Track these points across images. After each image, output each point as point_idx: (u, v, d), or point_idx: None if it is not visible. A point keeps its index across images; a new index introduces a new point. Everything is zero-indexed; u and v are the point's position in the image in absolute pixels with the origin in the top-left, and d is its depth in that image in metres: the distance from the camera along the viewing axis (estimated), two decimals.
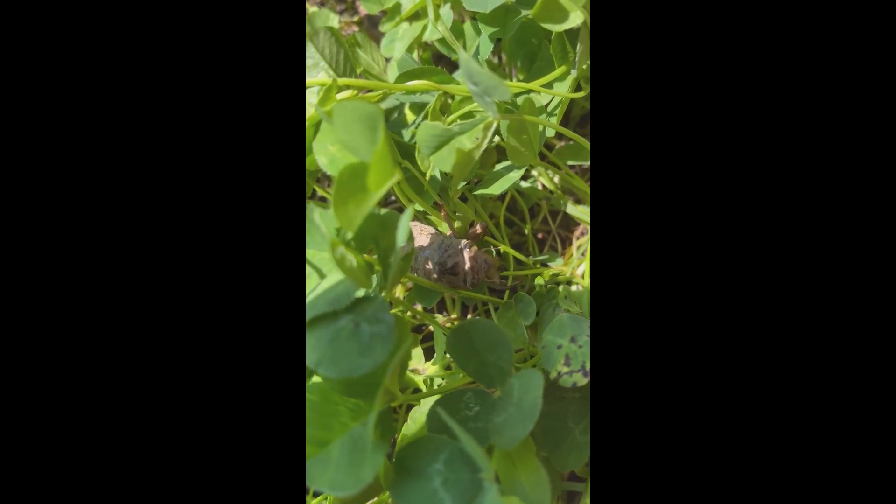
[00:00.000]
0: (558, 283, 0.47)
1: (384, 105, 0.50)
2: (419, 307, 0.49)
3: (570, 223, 0.55)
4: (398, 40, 0.53)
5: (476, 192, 0.43)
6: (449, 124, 0.40)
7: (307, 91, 0.39)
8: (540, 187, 0.53)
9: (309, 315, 0.29)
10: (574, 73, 0.42)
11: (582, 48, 0.40)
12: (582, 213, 0.50)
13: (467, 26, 0.51)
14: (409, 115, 0.50)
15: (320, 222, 0.30)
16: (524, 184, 0.52)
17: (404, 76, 0.43)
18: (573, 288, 0.46)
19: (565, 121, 0.57)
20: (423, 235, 0.43)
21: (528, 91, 0.43)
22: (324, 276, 0.32)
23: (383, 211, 0.33)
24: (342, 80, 0.38)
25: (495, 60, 0.57)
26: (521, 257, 0.48)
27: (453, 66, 0.60)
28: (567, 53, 0.42)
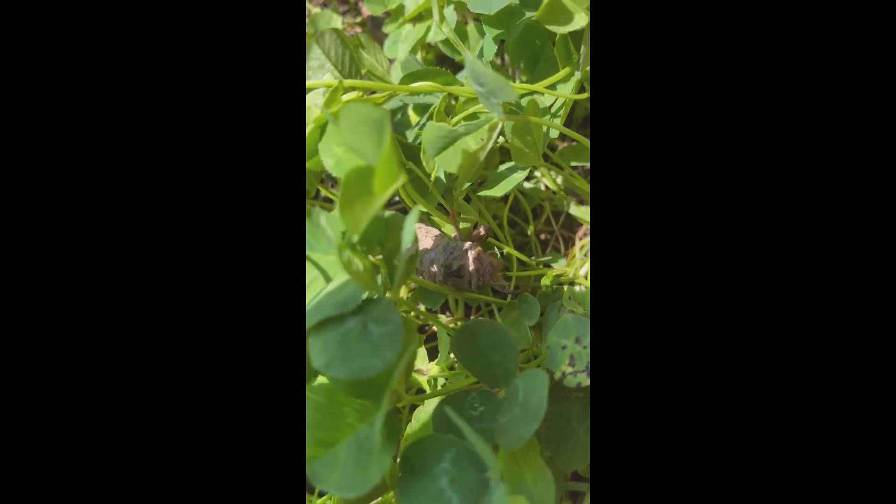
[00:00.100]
0: (561, 284, 0.47)
1: (388, 106, 0.50)
2: (422, 307, 0.49)
3: (572, 224, 0.55)
4: (402, 42, 0.54)
5: (480, 193, 0.43)
6: (454, 125, 0.40)
7: (313, 92, 0.39)
8: (543, 188, 0.53)
9: (316, 318, 0.29)
10: (578, 75, 0.42)
11: (586, 50, 0.40)
12: (585, 213, 0.50)
13: (470, 28, 0.51)
14: (413, 117, 0.50)
15: (326, 225, 0.30)
16: (527, 185, 0.52)
17: (409, 77, 0.44)
18: (576, 289, 0.46)
19: (568, 122, 0.57)
20: (427, 238, 0.43)
21: (532, 92, 0.43)
22: (330, 280, 0.33)
23: (388, 213, 0.33)
24: (348, 82, 0.38)
25: (498, 62, 0.57)
26: (525, 258, 0.49)
27: (456, 67, 0.60)
28: (571, 55, 0.42)
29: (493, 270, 0.43)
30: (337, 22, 0.62)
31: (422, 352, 0.48)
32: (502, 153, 0.51)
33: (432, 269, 0.42)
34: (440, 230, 0.46)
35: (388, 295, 0.31)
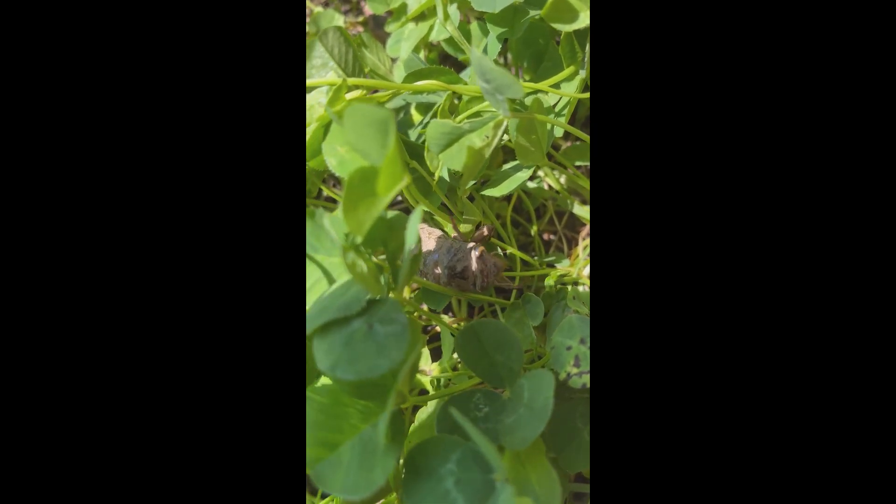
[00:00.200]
0: (565, 284, 0.47)
1: (390, 105, 0.50)
2: (425, 307, 0.49)
3: (576, 224, 0.55)
4: (404, 40, 0.53)
5: (483, 192, 0.43)
6: (459, 123, 0.40)
7: (316, 91, 0.39)
8: (546, 187, 0.53)
9: (321, 321, 0.28)
10: (582, 74, 0.42)
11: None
12: (588, 213, 0.50)
13: (473, 27, 0.51)
14: (416, 116, 0.50)
15: (329, 227, 0.30)
16: (530, 184, 0.52)
17: (413, 76, 0.43)
18: (580, 289, 0.46)
19: (572, 121, 0.57)
20: (430, 239, 0.43)
21: (536, 91, 0.43)
22: (334, 281, 0.32)
23: (391, 213, 0.33)
24: (351, 80, 0.38)
25: (501, 61, 0.57)
26: (528, 258, 0.48)
27: (459, 66, 0.60)
28: (576, 54, 0.42)
29: (497, 271, 0.43)
30: (339, 21, 0.62)
31: (424, 352, 0.48)
32: (505, 152, 0.51)
33: (436, 271, 0.41)
34: (443, 231, 0.46)
35: (391, 295, 0.31)
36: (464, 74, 0.50)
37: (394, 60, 0.56)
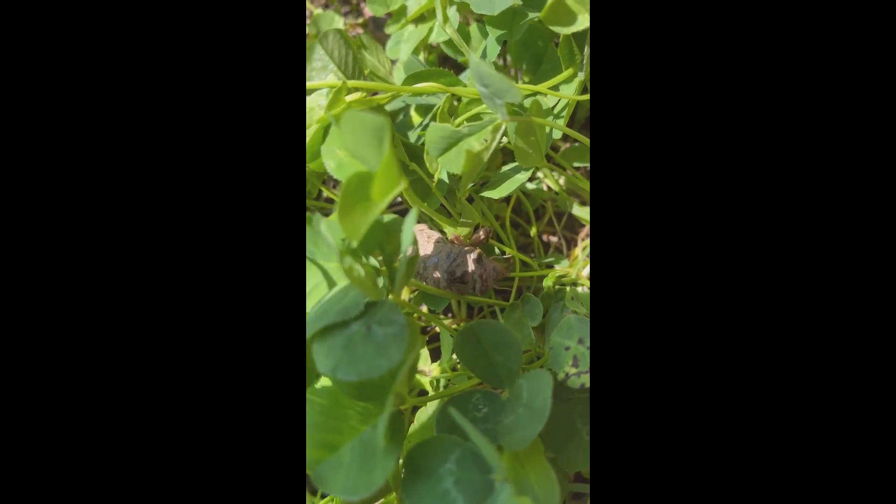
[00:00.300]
0: (564, 285, 0.47)
1: (390, 107, 0.50)
2: (424, 308, 0.49)
3: (575, 225, 0.55)
4: (404, 42, 0.54)
5: (483, 194, 0.43)
6: (457, 126, 0.40)
7: (317, 93, 0.39)
8: (546, 189, 0.53)
9: (320, 325, 0.29)
10: (581, 76, 0.42)
11: (589, 51, 0.40)
12: (587, 214, 0.50)
13: (473, 29, 0.51)
14: (415, 118, 0.50)
15: (326, 233, 0.30)
16: (530, 185, 0.52)
17: (412, 78, 0.44)
18: (579, 289, 0.46)
19: (571, 123, 0.57)
20: (429, 243, 0.43)
21: (535, 93, 0.43)
22: (332, 285, 0.33)
23: (388, 217, 0.33)
24: (351, 83, 0.38)
25: (500, 63, 0.57)
26: (527, 259, 0.49)
27: (458, 68, 0.60)
28: (574, 56, 0.42)
29: (497, 275, 0.43)
30: (339, 23, 0.62)
31: (424, 353, 0.48)
32: (505, 154, 0.51)
33: (435, 276, 0.42)
34: (442, 233, 0.46)
35: (390, 297, 0.31)
36: (463, 76, 0.50)
37: (394, 62, 0.56)
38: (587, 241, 0.52)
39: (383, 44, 0.57)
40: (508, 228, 0.50)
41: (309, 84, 0.39)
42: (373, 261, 0.35)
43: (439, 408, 0.34)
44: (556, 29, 0.38)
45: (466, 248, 0.43)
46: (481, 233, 0.44)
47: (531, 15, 0.43)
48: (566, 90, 0.43)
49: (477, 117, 0.43)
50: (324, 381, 0.33)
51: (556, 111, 0.45)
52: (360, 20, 0.70)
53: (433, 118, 0.44)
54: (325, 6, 0.72)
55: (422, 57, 0.57)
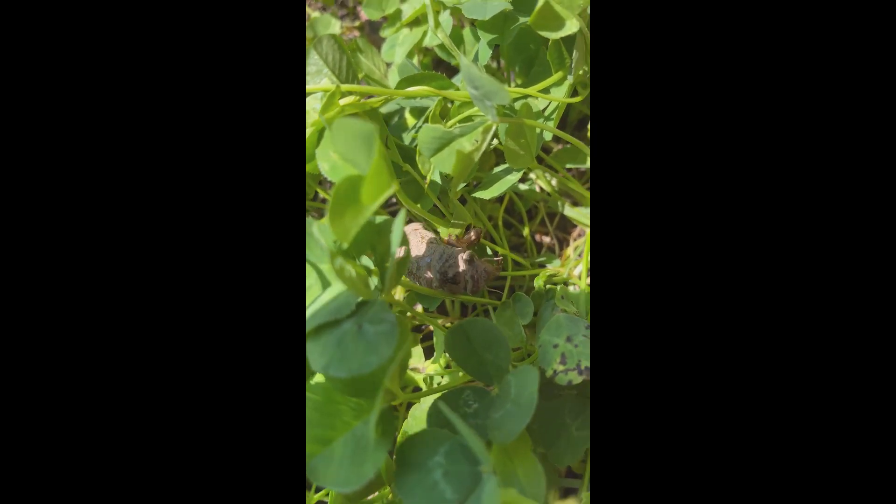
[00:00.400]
0: (556, 284, 0.48)
1: (385, 109, 0.51)
2: (419, 307, 0.50)
3: (567, 225, 0.56)
4: (399, 45, 0.54)
5: (475, 194, 0.44)
6: (449, 128, 0.41)
7: (312, 97, 0.40)
8: (538, 190, 0.54)
9: (314, 324, 0.30)
10: (570, 79, 0.43)
11: (578, 54, 0.41)
12: (579, 215, 0.51)
13: (466, 32, 0.52)
14: (410, 119, 0.51)
15: (319, 235, 0.31)
16: (522, 186, 0.53)
17: (405, 82, 0.44)
18: (570, 288, 0.47)
19: (562, 125, 0.58)
20: (422, 243, 0.44)
21: (526, 96, 0.44)
22: (325, 286, 0.34)
23: (380, 218, 0.34)
24: (345, 87, 0.39)
25: (494, 65, 0.58)
26: (520, 259, 0.49)
27: (452, 70, 0.61)
28: (563, 59, 0.43)
29: (488, 276, 0.44)
30: (335, 26, 0.63)
31: (418, 350, 0.49)
32: (497, 155, 0.52)
33: (427, 276, 0.42)
34: (436, 233, 0.47)
35: (381, 297, 0.32)
36: (456, 79, 0.51)
37: (389, 65, 0.57)
38: (579, 241, 0.53)
39: (379, 47, 0.58)
40: (501, 229, 0.51)
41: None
42: (367, 261, 0.36)
43: (431, 404, 0.35)
44: (544, 34, 0.39)
45: (458, 248, 0.43)
46: (472, 233, 0.45)
47: (522, 19, 0.44)
48: (557, 93, 0.44)
49: (469, 119, 0.43)
50: (318, 378, 0.34)
51: (546, 113, 0.45)
52: (357, 23, 0.71)
53: (426, 120, 0.44)
54: (322, 9, 0.73)
55: (416, 60, 0.58)
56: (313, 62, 0.41)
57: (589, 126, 0.56)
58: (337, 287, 0.32)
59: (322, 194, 0.50)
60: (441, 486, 0.29)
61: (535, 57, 0.49)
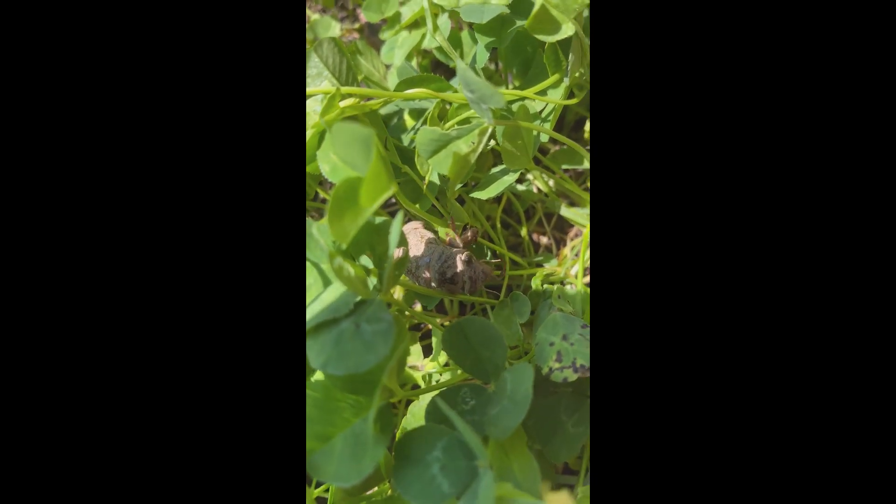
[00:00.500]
0: (553, 283, 0.49)
1: (384, 111, 0.52)
2: (418, 307, 0.51)
3: (564, 225, 0.56)
4: (398, 48, 0.55)
5: (472, 195, 0.45)
6: (447, 130, 0.41)
7: (312, 99, 0.41)
8: (535, 190, 0.54)
9: (312, 323, 0.30)
10: (567, 81, 0.44)
11: (574, 57, 0.42)
12: (576, 215, 0.52)
13: (465, 35, 0.52)
14: (409, 121, 0.52)
15: (318, 236, 0.32)
16: (520, 187, 0.54)
17: (404, 84, 0.45)
18: (567, 288, 0.47)
19: (559, 126, 0.59)
20: (421, 243, 0.45)
21: (523, 98, 0.45)
22: (324, 285, 0.34)
23: (379, 219, 0.34)
24: (345, 89, 0.40)
25: (492, 67, 0.58)
26: (518, 258, 0.50)
27: (451, 72, 0.62)
28: (560, 62, 0.43)
29: (486, 277, 0.45)
30: (335, 29, 0.64)
31: (417, 348, 0.50)
32: (495, 156, 0.53)
33: (426, 276, 0.43)
34: (435, 233, 0.47)
35: (379, 296, 0.32)
36: (454, 81, 0.52)
37: (388, 67, 0.58)
38: (576, 241, 0.54)
39: (378, 49, 0.58)
40: (499, 229, 0.51)
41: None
42: (367, 261, 0.37)
43: (429, 401, 0.35)
44: (540, 37, 0.40)
45: (456, 249, 0.44)
46: (469, 233, 0.46)
47: (518, 23, 0.44)
48: (553, 95, 0.45)
49: (466, 121, 0.44)
50: (318, 376, 0.35)
51: (543, 115, 0.46)
52: (357, 25, 0.72)
53: (425, 122, 0.45)
54: (323, 11, 0.74)
55: (415, 62, 0.59)
56: (314, 65, 0.41)
57: (585, 128, 0.57)
58: (336, 286, 0.33)
59: (322, 194, 0.50)
60: (438, 480, 0.30)
61: (532, 59, 0.49)
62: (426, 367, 0.48)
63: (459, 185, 0.44)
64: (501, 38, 0.45)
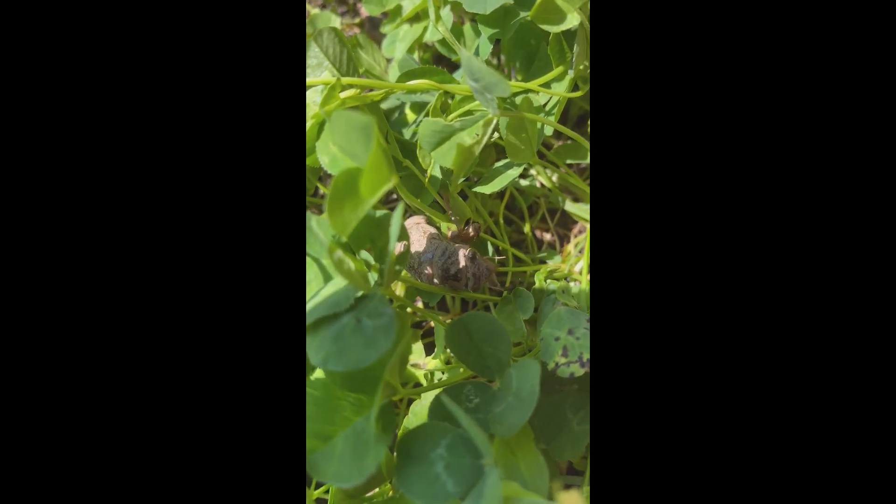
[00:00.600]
0: (556, 280, 0.48)
1: (386, 105, 0.51)
2: (419, 304, 0.50)
3: (568, 221, 0.56)
4: (399, 41, 0.54)
5: (475, 189, 0.44)
6: (449, 121, 0.41)
7: (312, 90, 0.40)
8: (539, 186, 0.54)
9: (312, 318, 0.30)
10: (571, 74, 0.43)
11: (579, 49, 0.41)
12: (580, 210, 0.51)
13: (467, 28, 0.52)
14: (410, 115, 0.51)
15: (318, 230, 0.31)
16: (523, 182, 0.53)
17: (406, 76, 0.44)
18: (571, 285, 0.47)
19: (563, 120, 0.58)
20: (424, 238, 0.44)
21: (527, 90, 0.44)
22: (325, 280, 0.33)
23: (380, 212, 0.34)
24: (345, 80, 0.39)
25: (494, 61, 0.58)
26: (521, 255, 0.49)
27: (453, 66, 0.61)
28: (564, 54, 0.43)
29: (489, 273, 0.44)
30: (335, 23, 0.63)
31: (419, 346, 0.49)
32: (498, 151, 0.52)
33: (428, 272, 0.42)
34: (437, 229, 0.46)
35: (380, 290, 0.32)
36: (457, 74, 0.51)
37: (389, 61, 0.57)
38: (580, 238, 0.53)
39: (379, 43, 0.58)
40: (502, 224, 0.51)
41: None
42: (367, 256, 0.36)
43: (433, 399, 0.35)
44: (545, 27, 0.39)
45: (459, 245, 0.43)
46: (470, 228, 0.45)
47: (522, 14, 0.44)
48: (557, 87, 0.44)
49: (469, 113, 0.43)
50: (318, 374, 0.34)
51: (547, 108, 0.45)
52: (357, 20, 0.71)
53: (427, 115, 0.44)
54: (322, 6, 0.73)
55: (417, 55, 0.58)
56: (314, 55, 0.41)
57: (589, 121, 0.56)
58: (336, 281, 0.32)
59: (323, 190, 0.49)
60: (443, 478, 0.29)
61: (536, 52, 0.48)
62: (428, 365, 0.47)
63: (462, 179, 0.43)
64: (505, 30, 0.45)
